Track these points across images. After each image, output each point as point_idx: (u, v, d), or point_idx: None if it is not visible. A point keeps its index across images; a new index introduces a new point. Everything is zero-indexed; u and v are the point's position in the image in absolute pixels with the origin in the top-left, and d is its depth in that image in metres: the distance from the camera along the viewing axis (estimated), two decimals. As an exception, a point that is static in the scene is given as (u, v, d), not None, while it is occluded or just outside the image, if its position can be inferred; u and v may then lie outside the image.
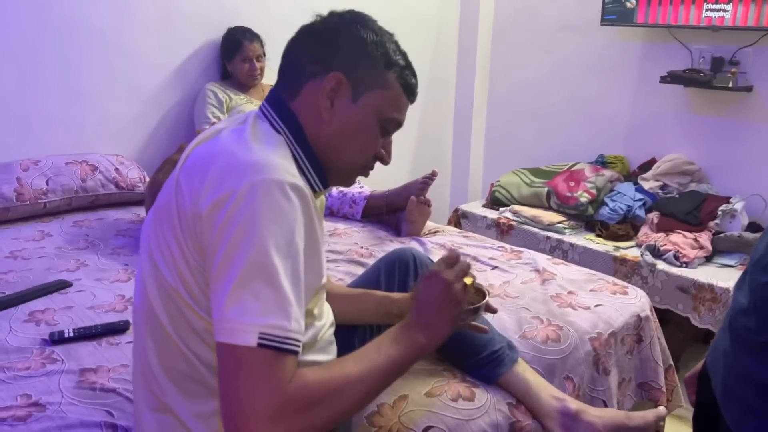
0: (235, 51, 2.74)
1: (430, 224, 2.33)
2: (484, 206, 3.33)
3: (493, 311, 1.28)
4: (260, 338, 0.82)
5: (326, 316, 1.14)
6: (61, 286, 1.73)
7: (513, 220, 3.09)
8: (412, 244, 2.10)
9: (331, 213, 2.40)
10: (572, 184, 3.03)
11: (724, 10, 2.66)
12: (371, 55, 1.02)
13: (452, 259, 1.04)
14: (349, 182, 1.10)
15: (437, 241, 2.13)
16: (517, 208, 3.13)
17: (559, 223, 2.95)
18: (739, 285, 1.07)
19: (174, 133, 2.80)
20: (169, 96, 2.78)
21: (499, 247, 2.08)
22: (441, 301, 1.01)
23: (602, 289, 1.78)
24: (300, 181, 0.90)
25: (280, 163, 0.90)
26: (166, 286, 0.94)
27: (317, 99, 1.00)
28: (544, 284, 1.79)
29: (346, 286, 1.40)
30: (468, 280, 1.07)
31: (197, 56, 2.83)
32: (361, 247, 2.06)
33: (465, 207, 3.35)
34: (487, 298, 1.16)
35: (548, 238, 2.93)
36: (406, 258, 1.46)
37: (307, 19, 3.13)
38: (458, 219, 3.36)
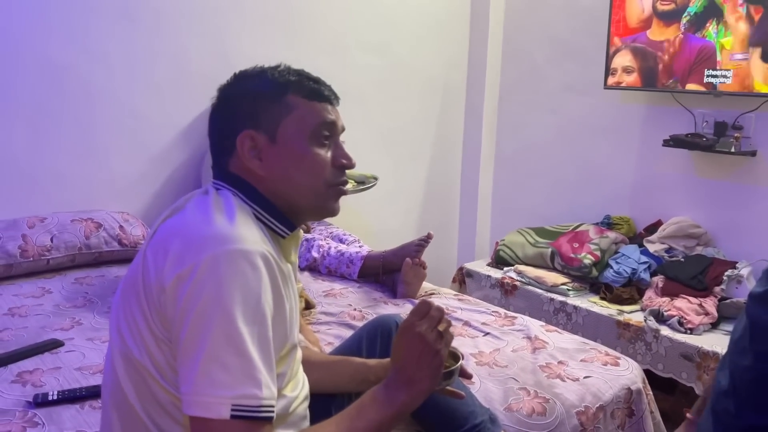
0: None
1: (426, 285, 2.32)
2: (489, 265, 3.32)
3: (468, 376, 1.26)
4: (233, 410, 0.83)
5: (300, 389, 1.12)
6: (53, 345, 1.74)
7: (517, 281, 3.07)
8: (406, 307, 2.09)
9: (329, 272, 2.41)
10: (576, 245, 3.01)
11: (725, 76, 2.68)
12: (262, 95, 1.03)
13: (423, 310, 1.03)
14: (330, 208, 1.08)
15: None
16: (522, 268, 3.11)
17: (563, 284, 2.92)
18: (721, 365, 1.05)
19: (181, 191, 2.85)
20: (176, 155, 2.86)
21: (492, 312, 2.06)
22: (418, 354, 1.00)
23: (593, 360, 1.74)
24: (264, 247, 0.91)
25: (243, 232, 0.92)
26: (133, 359, 0.95)
27: (246, 165, 1.02)
28: (535, 353, 1.76)
29: (323, 353, 1.40)
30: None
31: (205, 116, 2.89)
32: (354, 309, 2.06)
33: (469, 266, 3.34)
34: (461, 362, 1.15)
35: (552, 299, 2.90)
36: (388, 325, 1.45)
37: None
38: (463, 278, 3.35)
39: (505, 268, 3.20)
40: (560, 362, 1.71)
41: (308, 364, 1.29)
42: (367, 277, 2.35)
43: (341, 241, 2.65)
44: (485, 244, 3.97)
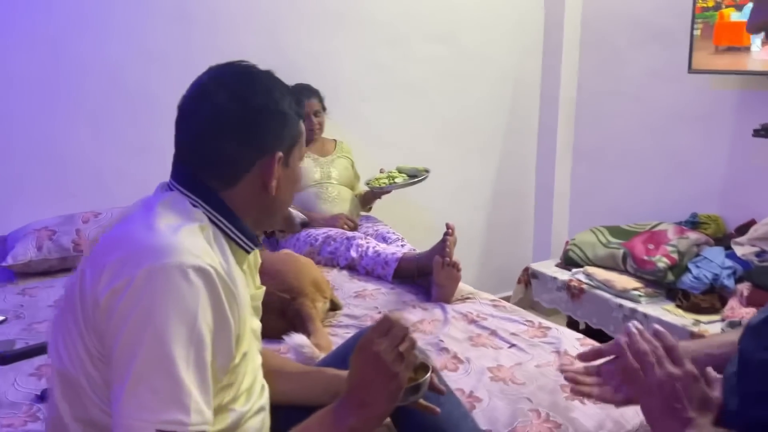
0: (293, 108, 2.81)
1: (464, 288, 2.19)
2: (557, 266, 3.11)
3: (440, 392, 1.14)
4: None
5: (254, 401, 1.06)
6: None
7: (585, 283, 2.85)
8: (435, 311, 1.98)
9: (367, 273, 2.34)
10: (651, 246, 2.74)
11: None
12: (289, 119, 1.02)
13: (384, 326, 0.94)
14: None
15: (462, 310, 1.99)
16: (591, 270, 2.88)
17: (634, 289, 2.67)
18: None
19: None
20: (232, 151, 2.89)
21: (526, 321, 1.90)
22: (373, 376, 0.93)
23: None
24: (207, 261, 0.86)
25: (185, 243, 0.86)
26: (69, 377, 0.91)
27: (263, 181, 1.00)
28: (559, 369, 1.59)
29: (297, 363, 1.32)
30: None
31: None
32: (380, 312, 1.98)
33: (536, 266, 3.15)
34: (429, 374, 1.05)
35: (621, 305, 2.66)
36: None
37: (368, 73, 3.09)
38: (528, 279, 3.17)
39: (574, 270, 2.98)
40: (585, 382, 1.53)
41: (281, 375, 1.23)
42: (404, 279, 2.25)
43: (384, 239, 2.56)
44: (561, 243, 3.73)
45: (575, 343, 1.74)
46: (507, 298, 3.21)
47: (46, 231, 2.33)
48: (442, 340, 1.76)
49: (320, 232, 2.52)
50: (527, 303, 3.21)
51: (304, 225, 2.27)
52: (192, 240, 0.88)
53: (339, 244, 2.43)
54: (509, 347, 1.74)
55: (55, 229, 2.34)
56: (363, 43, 3.10)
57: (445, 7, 3.27)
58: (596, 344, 1.70)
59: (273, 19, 2.88)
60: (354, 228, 2.65)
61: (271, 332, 1.80)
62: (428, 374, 1.06)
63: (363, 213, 2.96)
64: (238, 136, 0.98)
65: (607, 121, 3.42)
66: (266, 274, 1.87)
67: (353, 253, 2.37)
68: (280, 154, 0.99)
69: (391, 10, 3.14)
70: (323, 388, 1.20)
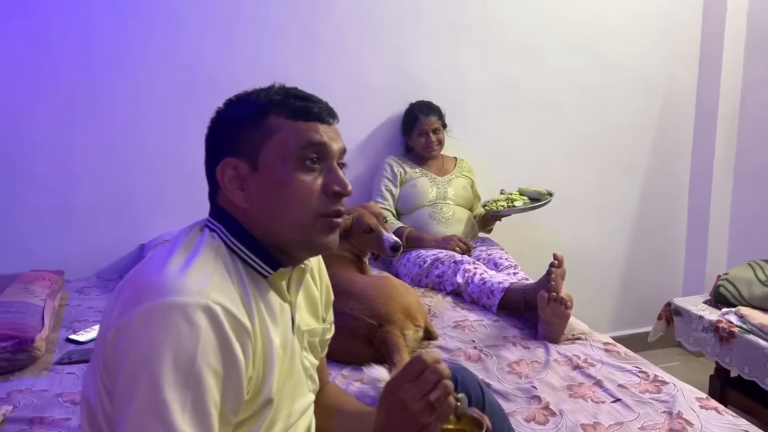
0: (412, 125, 2.75)
1: (577, 326, 1.98)
2: (706, 302, 2.73)
3: None
4: None
5: None
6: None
7: (736, 326, 2.46)
8: (536, 352, 1.80)
9: (472, 301, 2.20)
10: (823, 289, 2.30)
11: None
12: (242, 119, 0.93)
13: (415, 370, 0.85)
14: (320, 243, 0.93)
15: (568, 352, 1.78)
16: (745, 311, 2.48)
17: (797, 338, 2.26)
18: None
19: (357, 202, 2.88)
20: (353, 168, 2.89)
21: (640, 372, 1.65)
22: (399, 425, 0.85)
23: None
24: (212, 298, 0.81)
25: (189, 281, 0.82)
26: (90, 405, 0.91)
27: (229, 197, 0.93)
28: (668, 436, 1.36)
29: (358, 403, 1.24)
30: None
31: (382, 129, 2.91)
32: (475, 347, 1.84)
33: (680, 302, 2.78)
34: (484, 427, 0.93)
35: (779, 356, 2.25)
36: (452, 380, 1.24)
37: (495, 87, 2.95)
38: (670, 315, 2.81)
39: (724, 309, 2.59)
40: (697, 456, 1.29)
41: (339, 414, 1.17)
42: (511, 312, 2.08)
43: (495, 265, 2.40)
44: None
45: (694, 404, 1.48)
46: (646, 334, 2.89)
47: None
48: (535, 387, 1.58)
49: (430, 254, 2.43)
50: (669, 342, 2.86)
51: (395, 249, 2.17)
52: (200, 276, 0.83)
53: (446, 268, 2.32)
54: (613, 401, 1.52)
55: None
56: (491, 56, 2.96)
57: (583, 16, 3.03)
58: (722, 408, 1.44)
59: (396, 36, 2.85)
60: (467, 251, 2.52)
61: (358, 359, 1.75)
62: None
63: (482, 235, 2.81)
64: (206, 159, 0.97)
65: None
66: (355, 298, 1.83)
67: (459, 279, 2.25)
68: (230, 159, 0.92)
69: (523, 21, 2.97)
70: None
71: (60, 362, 1.82)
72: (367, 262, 2.23)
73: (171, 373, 0.76)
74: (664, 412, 1.46)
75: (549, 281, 1.86)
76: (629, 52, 3.12)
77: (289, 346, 0.97)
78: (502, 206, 2.55)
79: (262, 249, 0.93)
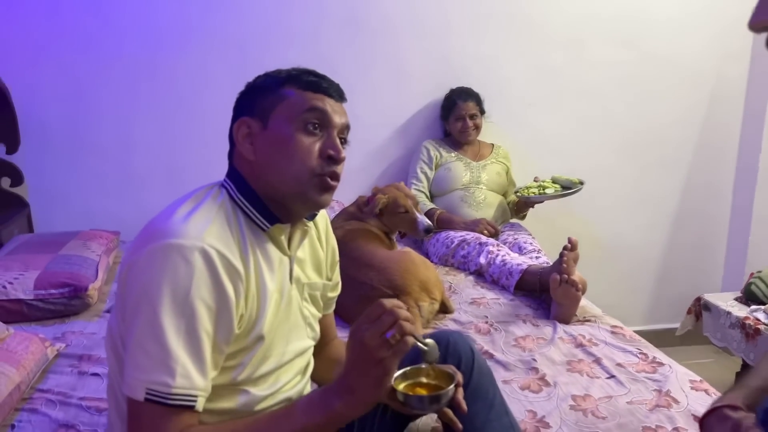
0: (449, 110, 2.84)
1: (589, 309, 2.04)
2: (737, 299, 2.72)
3: (461, 410, 1.10)
4: (147, 393, 0.90)
5: (277, 389, 1.10)
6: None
7: (763, 324, 2.45)
8: (544, 330, 1.88)
9: (493, 281, 2.28)
10: None
11: None
12: (260, 87, 1.07)
13: (374, 313, 0.95)
14: (313, 198, 1.04)
15: (573, 332, 1.85)
16: (774, 310, 2.47)
17: (824, 339, 2.24)
18: None
19: (394, 180, 2.99)
20: (392, 151, 3.01)
21: (640, 353, 1.71)
22: (359, 363, 0.95)
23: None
24: (207, 243, 0.93)
25: (189, 226, 0.95)
26: (113, 332, 1.05)
27: (240, 151, 1.06)
28: (653, 411, 1.42)
29: None
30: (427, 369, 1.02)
31: (421, 115, 3.00)
32: (486, 322, 1.93)
33: (710, 297, 2.78)
34: (452, 386, 1.03)
35: (804, 356, 2.24)
36: (443, 343, 1.35)
37: (536, 76, 3.00)
38: (699, 310, 2.81)
39: (753, 306, 2.58)
40: (675, 428, 1.35)
41: (339, 365, 1.26)
42: (528, 293, 2.16)
43: (520, 249, 2.47)
44: (757, 274, 3.24)
45: (686, 384, 1.53)
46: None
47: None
48: (535, 359, 1.67)
49: (458, 235, 2.52)
50: (697, 338, 2.86)
51: (428, 231, 2.27)
52: (200, 223, 0.96)
53: (471, 249, 2.41)
54: (607, 378, 1.59)
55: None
56: (533, 46, 3.01)
57: (631, 8, 3.03)
58: (712, 391, 1.49)
59: (439, 23, 2.93)
60: (494, 234, 2.60)
61: (374, 325, 1.87)
62: (451, 386, 1.03)
63: (513, 221, 2.88)
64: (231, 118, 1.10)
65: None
66: (375, 270, 1.95)
67: (482, 260, 2.33)
68: (245, 118, 1.05)
69: (568, 11, 3.00)
70: None
71: (109, 310, 2.03)
72: (394, 239, 2.34)
73: (168, 302, 0.90)
74: (654, 390, 1.52)
75: (561, 263, 1.92)
76: (677, 47, 3.10)
77: (286, 293, 1.10)
78: (533, 192, 2.61)
79: (262, 204, 1.05)
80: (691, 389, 1.52)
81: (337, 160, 1.05)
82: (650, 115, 3.16)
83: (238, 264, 0.97)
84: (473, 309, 2.05)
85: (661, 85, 3.13)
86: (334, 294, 1.31)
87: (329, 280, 1.27)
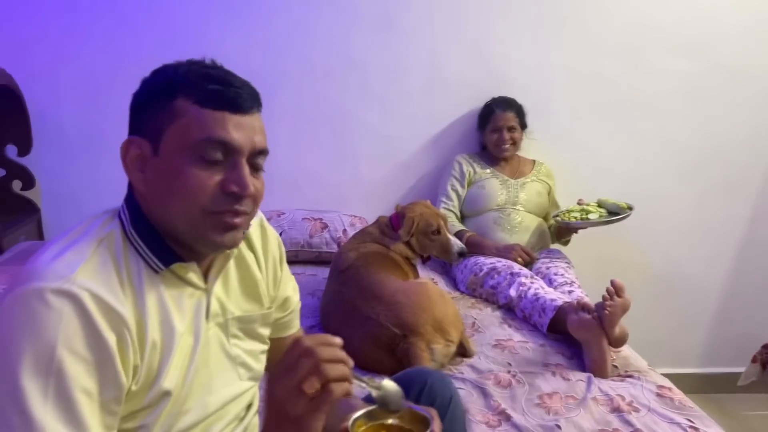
0: (486, 120, 2.59)
1: (633, 360, 1.76)
2: (811, 350, 2.37)
3: None
4: None
5: None
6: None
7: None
8: (576, 386, 1.60)
9: (524, 317, 2.02)
10: None
11: None
12: (151, 97, 0.85)
13: (289, 357, 0.77)
14: (211, 240, 0.85)
15: (611, 391, 1.58)
16: None
17: None
18: None
19: (424, 197, 2.76)
20: (423, 163, 2.78)
21: (691, 426, 1.42)
22: (274, 422, 0.79)
23: None
24: (80, 282, 0.76)
25: (57, 264, 0.77)
26: None
27: (130, 177, 0.86)
28: None
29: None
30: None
31: (457, 125, 2.76)
32: (509, 372, 1.67)
33: (778, 345, 2.44)
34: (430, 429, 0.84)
35: None
36: (420, 383, 1.13)
37: (586, 87, 2.69)
38: (767, 359, 2.47)
39: (830, 361, 2.23)
40: None
41: None
42: (564, 336, 1.89)
43: (550, 282, 2.19)
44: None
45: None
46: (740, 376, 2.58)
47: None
48: (559, 426, 1.41)
49: (488, 262, 2.27)
50: (763, 389, 2.52)
51: (462, 255, 2.05)
52: (70, 261, 0.78)
53: (502, 279, 2.15)
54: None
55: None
56: (583, 54, 2.72)
57: (697, 14, 2.70)
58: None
59: (479, 27, 2.67)
60: (529, 263, 2.34)
61: (379, 366, 1.65)
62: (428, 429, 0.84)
63: (554, 246, 2.60)
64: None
65: None
66: (384, 304, 1.73)
67: (513, 292, 2.07)
68: (135, 138, 0.85)
69: (624, 15, 2.69)
70: (339, 419, 1.00)
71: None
72: (416, 266, 2.12)
73: (30, 361, 0.72)
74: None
75: (602, 307, 1.66)
76: (749, 58, 2.75)
77: (202, 335, 0.90)
78: (575, 217, 2.33)
79: (159, 241, 0.86)
80: (753, 483, 1.23)
81: (240, 196, 0.84)
82: (715, 134, 2.82)
83: (121, 308, 0.79)
84: (496, 354, 1.79)
85: (728, 100, 2.79)
86: (286, 312, 1.10)
87: (271, 305, 1.05)
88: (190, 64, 0.87)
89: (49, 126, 2.59)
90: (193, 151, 0.82)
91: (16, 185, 2.57)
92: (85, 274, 0.77)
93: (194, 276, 0.90)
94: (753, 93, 2.79)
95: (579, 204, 2.43)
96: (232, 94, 0.83)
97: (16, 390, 0.72)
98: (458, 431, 1.05)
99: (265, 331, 1.03)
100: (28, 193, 2.59)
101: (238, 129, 0.83)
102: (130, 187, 0.89)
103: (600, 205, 2.39)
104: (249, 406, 1.02)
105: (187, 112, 0.82)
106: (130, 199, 0.88)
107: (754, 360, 2.54)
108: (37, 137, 2.55)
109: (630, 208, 2.30)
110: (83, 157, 2.63)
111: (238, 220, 0.85)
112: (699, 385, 2.95)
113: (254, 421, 1.03)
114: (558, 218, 2.38)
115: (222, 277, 0.94)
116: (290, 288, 1.09)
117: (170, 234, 0.86)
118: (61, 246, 0.81)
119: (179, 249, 0.87)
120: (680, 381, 1.99)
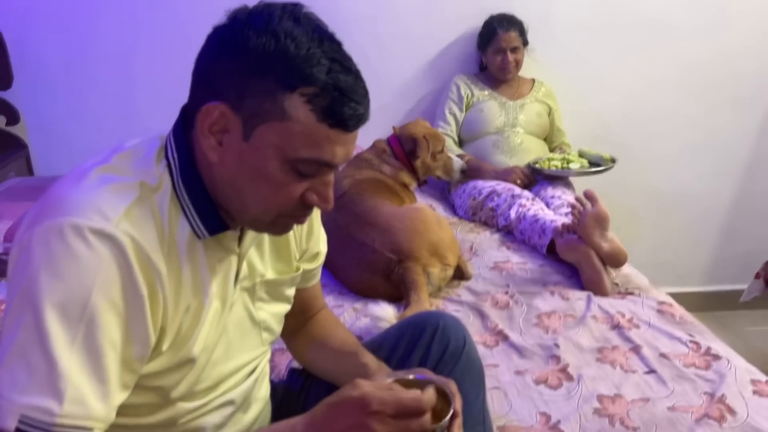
0: (488, 41, 2.47)
1: (634, 279, 1.73)
2: (816, 265, 2.33)
3: None
4: (20, 422, 0.67)
5: (215, 395, 0.89)
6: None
7: None
8: (575, 305, 1.58)
9: (523, 240, 1.99)
10: None
11: None
12: (263, 72, 0.72)
13: (404, 410, 0.72)
14: (274, 233, 0.84)
15: (611, 309, 1.55)
16: None
17: None
18: None
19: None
20: (419, 86, 2.68)
21: (691, 342, 1.40)
22: (342, 418, 0.72)
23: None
24: (123, 227, 0.70)
25: (98, 200, 0.71)
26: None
27: (201, 141, 0.76)
28: (699, 423, 1.13)
29: (344, 339, 1.10)
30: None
31: (455, 46, 2.65)
32: (506, 293, 1.65)
33: (782, 261, 2.40)
34: (447, 418, 0.79)
35: None
36: (433, 325, 1.09)
37: (584, 3, 2.55)
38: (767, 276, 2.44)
39: (836, 275, 2.20)
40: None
41: (321, 349, 1.08)
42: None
43: (547, 204, 2.14)
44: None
45: (747, 387, 1.23)
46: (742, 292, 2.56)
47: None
48: (557, 345, 1.39)
49: (487, 185, 2.21)
50: (765, 305, 2.51)
51: (463, 172, 2.04)
52: (115, 201, 0.71)
53: (502, 201, 2.10)
54: (646, 372, 1.30)
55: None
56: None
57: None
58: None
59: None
60: (529, 185, 2.28)
61: (374, 293, 1.64)
62: (446, 419, 0.79)
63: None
64: (204, 58, 0.77)
65: None
66: (378, 229, 1.69)
67: (512, 214, 2.03)
68: (225, 107, 0.73)
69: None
70: (350, 374, 0.96)
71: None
72: (413, 192, 2.07)
73: (61, 301, 0.67)
74: (705, 393, 1.22)
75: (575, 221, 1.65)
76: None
77: (229, 299, 0.86)
78: (555, 166, 2.25)
79: (210, 207, 0.79)
80: (754, 394, 1.21)
81: (322, 209, 0.80)
82: (725, 46, 2.70)
83: (159, 263, 0.74)
84: (494, 276, 1.77)
85: (740, 10, 2.65)
86: (316, 265, 1.06)
87: (299, 266, 1.00)
88: (325, 54, 0.73)
89: (30, 58, 2.49)
90: (293, 163, 0.74)
91: (1, 121, 2.50)
92: (128, 220, 0.71)
93: (231, 241, 0.84)
94: (763, 2, 2.65)
95: (561, 152, 2.37)
96: (350, 111, 0.73)
97: (42, 332, 0.67)
98: (469, 382, 1.01)
99: (291, 292, 0.99)
100: (13, 129, 2.52)
101: (344, 145, 0.75)
102: (185, 136, 0.79)
103: (581, 155, 2.32)
104: (258, 364, 0.98)
105: (299, 119, 0.72)
106: (184, 150, 0.79)
107: (757, 276, 2.51)
108: (17, 70, 2.46)
109: (613, 161, 2.26)
110: (66, 90, 2.54)
111: (302, 221, 0.83)
112: (701, 303, 2.94)
113: (261, 378, 1.00)
114: (538, 165, 2.29)
115: (255, 239, 0.89)
116: (322, 241, 1.05)
117: (223, 206, 0.80)
118: (98, 176, 0.74)
119: (229, 220, 0.81)
120: (682, 300, 1.96)
